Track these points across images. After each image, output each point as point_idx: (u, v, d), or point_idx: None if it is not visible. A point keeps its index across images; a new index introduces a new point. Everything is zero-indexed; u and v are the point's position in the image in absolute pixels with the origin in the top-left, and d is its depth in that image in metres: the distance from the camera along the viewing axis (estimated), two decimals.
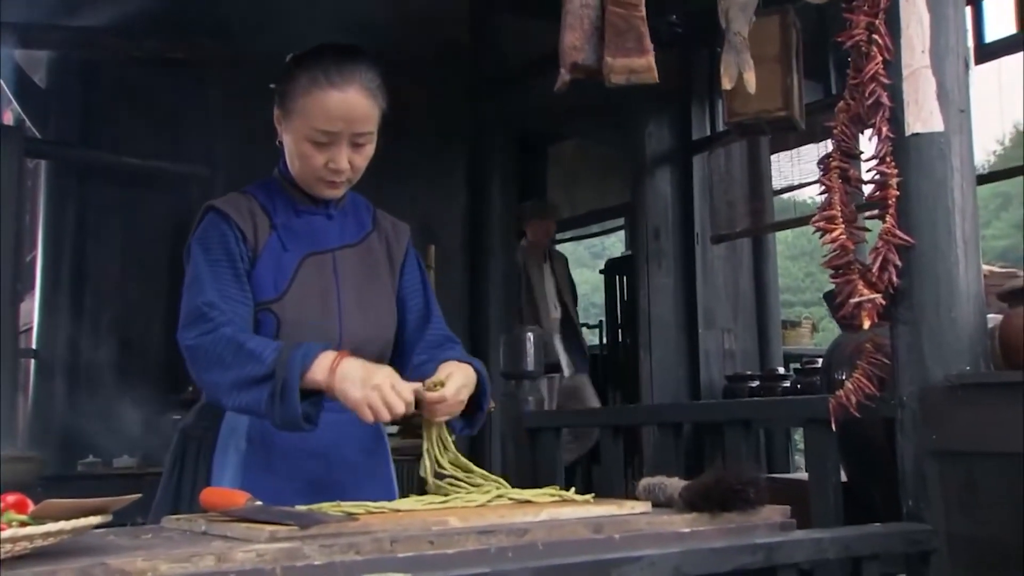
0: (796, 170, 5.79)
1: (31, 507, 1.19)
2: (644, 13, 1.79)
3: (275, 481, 1.64)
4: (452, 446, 1.65)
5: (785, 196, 5.91)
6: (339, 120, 1.65)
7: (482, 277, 5.05)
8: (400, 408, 1.51)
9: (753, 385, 4.53)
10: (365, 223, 1.85)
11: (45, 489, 3.02)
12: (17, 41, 3.91)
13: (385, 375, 1.53)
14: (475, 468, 1.64)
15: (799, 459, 4.71)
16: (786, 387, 4.43)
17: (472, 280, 5.06)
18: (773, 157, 5.64)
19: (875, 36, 1.65)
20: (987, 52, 4.21)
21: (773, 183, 5.60)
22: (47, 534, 1.11)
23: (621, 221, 6.90)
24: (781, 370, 4.91)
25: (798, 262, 19.24)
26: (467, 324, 4.96)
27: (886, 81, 1.65)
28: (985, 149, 19.12)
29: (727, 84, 1.95)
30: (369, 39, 4.98)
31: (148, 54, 4.13)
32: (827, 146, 1.77)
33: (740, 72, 1.93)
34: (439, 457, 1.62)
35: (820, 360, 4.73)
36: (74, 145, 4.27)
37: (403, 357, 1.83)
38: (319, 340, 1.67)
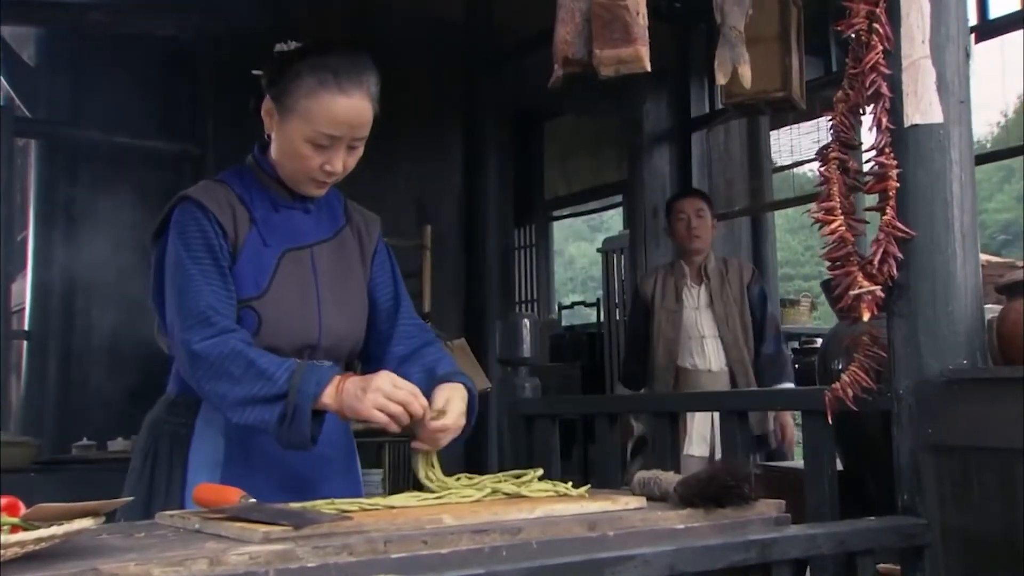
0: (796, 146, 5.76)
1: (23, 510, 1.19)
2: (629, 2, 1.75)
3: (254, 477, 1.62)
4: (440, 468, 1.64)
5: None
6: (344, 125, 1.63)
7: (478, 257, 5.00)
8: (408, 399, 1.51)
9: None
10: (338, 217, 1.82)
11: (38, 474, 3.01)
12: (5, 17, 3.85)
13: (382, 378, 1.53)
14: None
15: (797, 433, 4.72)
16: None
17: (468, 260, 5.02)
18: (772, 133, 5.60)
19: (875, 25, 1.62)
20: (991, 28, 4.21)
21: (773, 158, 5.56)
22: (39, 539, 1.11)
23: (619, 198, 6.87)
24: None
25: (797, 235, 19.22)
26: (462, 305, 4.95)
27: (886, 71, 1.63)
28: (989, 121, 19.09)
29: (721, 80, 1.93)
30: (362, 17, 4.95)
31: (138, 30, 4.07)
32: (827, 122, 1.75)
33: (735, 66, 1.91)
34: (428, 482, 1.61)
35: (819, 340, 4.74)
36: (64, 124, 4.23)
37: (379, 348, 1.83)
38: (299, 337, 1.69)
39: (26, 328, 4.09)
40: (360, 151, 1.70)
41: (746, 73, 1.91)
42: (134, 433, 3.57)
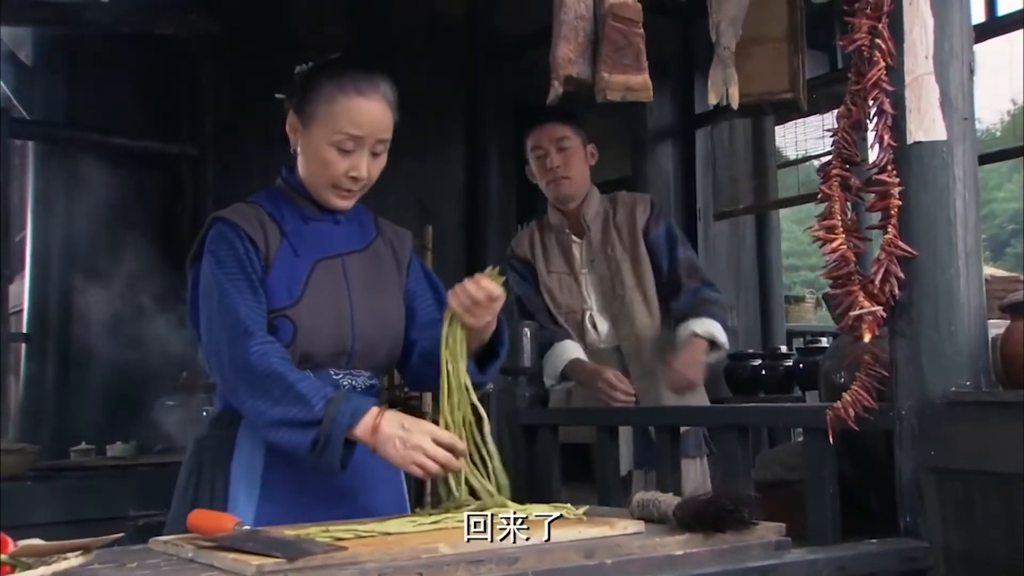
0: (802, 140, 5.71)
1: (11, 546, 1.17)
2: (642, 30, 1.75)
3: (296, 492, 1.66)
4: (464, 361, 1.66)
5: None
6: (366, 124, 1.70)
7: (480, 257, 4.97)
8: (445, 456, 1.55)
9: (755, 364, 4.50)
10: (369, 230, 1.88)
11: (36, 482, 3.01)
12: (1, 17, 3.81)
13: (422, 432, 1.56)
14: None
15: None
16: (788, 366, 4.42)
17: (470, 260, 4.99)
18: (777, 128, 5.56)
19: (878, 41, 1.60)
20: (999, 25, 4.20)
21: (779, 150, 5.51)
22: None
23: None
24: (784, 348, 4.89)
25: (805, 225, 19.10)
26: None
27: (888, 88, 1.60)
28: (999, 109, 19.07)
29: (713, 99, 1.94)
30: (363, 15, 4.89)
31: (136, 29, 4.04)
32: (832, 117, 1.73)
33: (726, 87, 1.90)
34: (452, 377, 1.64)
35: (823, 339, 4.72)
36: (62, 125, 4.20)
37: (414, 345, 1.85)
38: (333, 343, 1.72)
39: (24, 330, 4.08)
40: (383, 158, 1.77)
41: (735, 94, 1.92)
42: (133, 437, 3.60)
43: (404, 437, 1.54)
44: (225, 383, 1.65)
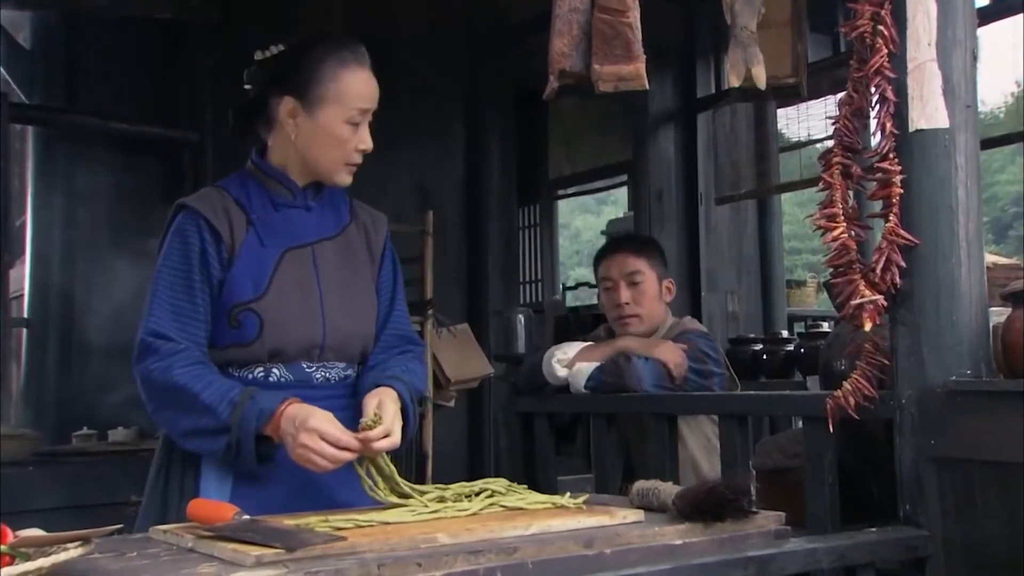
0: (804, 122, 5.67)
1: (10, 537, 1.17)
2: (632, 19, 1.72)
3: (264, 486, 1.64)
4: (389, 469, 1.61)
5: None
6: (371, 97, 1.71)
7: (481, 244, 4.96)
8: (334, 454, 1.52)
9: (756, 348, 4.50)
10: (343, 215, 1.82)
11: (37, 468, 3.02)
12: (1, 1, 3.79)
13: (310, 430, 1.52)
14: (413, 490, 1.60)
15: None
16: (789, 351, 4.41)
17: (470, 246, 4.99)
18: (780, 112, 5.52)
19: (880, 27, 1.58)
20: (1004, 8, 4.16)
21: (781, 133, 5.47)
22: (25, 572, 1.09)
23: (624, 178, 6.80)
24: (785, 333, 4.89)
25: (807, 208, 19.03)
26: (465, 292, 4.91)
27: (890, 75, 1.59)
28: (1003, 91, 18.97)
29: (735, 82, 1.89)
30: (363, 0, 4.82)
31: (135, 14, 4.01)
32: (835, 101, 1.72)
33: (748, 68, 1.86)
34: (376, 488, 1.59)
35: (825, 323, 4.71)
36: (61, 110, 4.18)
37: None
38: (302, 337, 1.69)
39: (25, 315, 4.07)
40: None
41: (760, 74, 1.86)
42: (134, 422, 3.60)
43: (294, 435, 1.52)
44: (140, 391, 1.65)
